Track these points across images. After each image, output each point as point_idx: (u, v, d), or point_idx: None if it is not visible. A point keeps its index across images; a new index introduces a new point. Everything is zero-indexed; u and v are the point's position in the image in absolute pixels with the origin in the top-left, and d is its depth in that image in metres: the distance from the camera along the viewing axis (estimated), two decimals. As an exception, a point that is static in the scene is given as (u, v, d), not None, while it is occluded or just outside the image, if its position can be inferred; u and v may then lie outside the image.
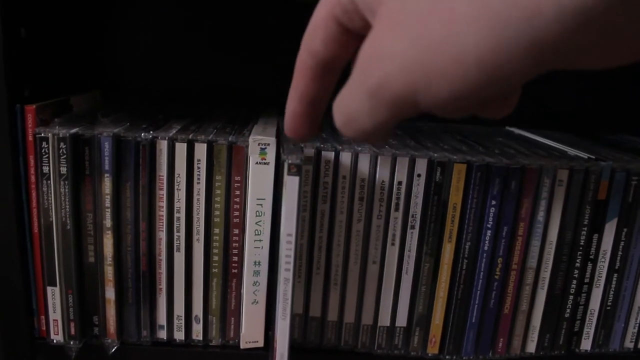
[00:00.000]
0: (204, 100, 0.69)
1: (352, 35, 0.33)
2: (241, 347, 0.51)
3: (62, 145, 0.46)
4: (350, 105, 0.28)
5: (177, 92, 0.69)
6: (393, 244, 0.49)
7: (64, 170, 0.46)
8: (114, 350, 0.50)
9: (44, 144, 0.46)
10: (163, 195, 0.48)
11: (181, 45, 0.67)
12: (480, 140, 0.57)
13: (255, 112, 0.64)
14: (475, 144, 0.55)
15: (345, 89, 0.29)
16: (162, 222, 0.48)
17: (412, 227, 0.49)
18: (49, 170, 0.47)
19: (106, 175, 0.47)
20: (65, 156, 0.46)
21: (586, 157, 0.53)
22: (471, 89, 0.23)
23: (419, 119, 0.69)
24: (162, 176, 0.48)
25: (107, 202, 0.48)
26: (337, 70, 0.35)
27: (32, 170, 0.47)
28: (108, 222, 0.48)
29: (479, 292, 0.50)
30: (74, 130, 0.46)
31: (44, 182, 0.47)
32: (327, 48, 0.34)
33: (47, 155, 0.46)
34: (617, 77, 0.74)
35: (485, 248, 0.49)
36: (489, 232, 0.49)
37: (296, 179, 0.43)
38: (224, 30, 0.67)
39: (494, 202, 0.48)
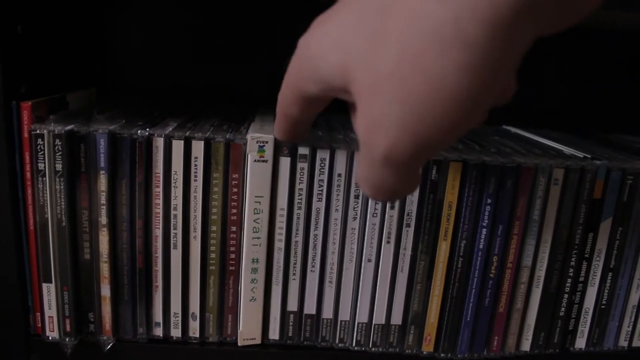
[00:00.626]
0: (200, 98, 0.69)
1: (327, 98, 0.33)
2: (239, 344, 0.51)
3: (57, 142, 0.46)
4: (373, 179, 0.29)
5: (173, 90, 0.69)
6: (388, 242, 0.49)
7: (59, 167, 0.46)
8: (109, 347, 0.50)
9: (40, 141, 0.46)
10: (159, 192, 0.48)
11: (178, 43, 0.67)
12: (476, 139, 0.57)
13: (251, 110, 0.64)
14: (472, 142, 0.55)
15: (360, 166, 0.29)
16: (159, 220, 0.48)
17: (408, 226, 0.49)
18: (45, 167, 0.46)
19: (102, 172, 0.47)
20: (60, 153, 0.46)
21: (582, 156, 0.53)
22: (470, 116, 0.24)
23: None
24: (159, 173, 0.48)
25: (103, 199, 0.48)
26: (320, 106, 0.36)
27: (28, 167, 0.47)
28: (104, 219, 0.48)
29: (474, 290, 0.51)
30: (69, 127, 0.46)
31: (40, 179, 0.47)
32: (303, 112, 0.35)
33: (42, 152, 0.46)
34: (615, 75, 0.74)
35: (481, 246, 0.50)
36: (484, 231, 0.49)
37: (287, 160, 0.46)
38: (221, 28, 0.67)
39: (489, 201, 0.49)
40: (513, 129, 0.68)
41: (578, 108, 0.75)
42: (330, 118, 0.63)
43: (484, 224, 0.49)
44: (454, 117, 0.24)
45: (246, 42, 0.68)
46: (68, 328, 0.50)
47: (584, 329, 0.55)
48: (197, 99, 0.69)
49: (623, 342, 0.56)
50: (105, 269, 0.49)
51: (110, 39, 0.66)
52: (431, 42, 0.23)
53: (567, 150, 0.56)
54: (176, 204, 0.48)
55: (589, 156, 0.53)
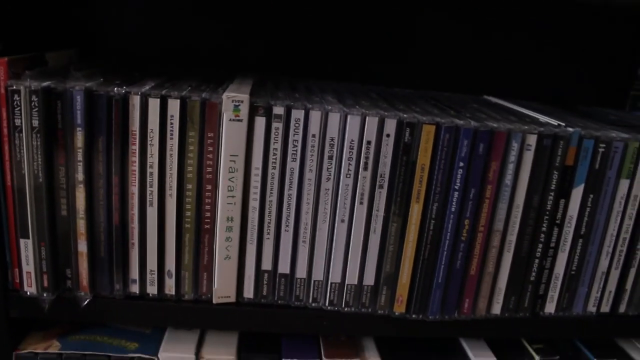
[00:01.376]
0: (183, 61, 0.69)
1: None
2: (214, 302, 0.52)
3: (34, 98, 0.46)
4: None
5: (157, 53, 0.69)
6: (361, 203, 0.50)
7: (35, 123, 0.47)
8: (86, 303, 0.51)
9: (16, 97, 0.46)
10: (135, 150, 0.48)
11: (161, 6, 0.67)
12: (453, 106, 0.58)
13: (232, 72, 0.64)
14: (448, 108, 0.56)
15: None
16: (135, 177, 0.49)
17: (381, 187, 0.50)
18: (21, 123, 0.47)
19: (78, 129, 0.47)
20: (37, 109, 0.46)
21: (556, 123, 0.54)
22: None
23: (397, 85, 0.70)
24: (135, 131, 0.48)
25: (80, 156, 0.48)
26: None
27: (5, 124, 0.47)
28: (80, 175, 0.48)
29: (445, 252, 0.51)
30: (46, 84, 0.46)
31: (17, 135, 0.47)
32: None
33: (19, 108, 0.46)
34: (600, 52, 0.74)
35: (453, 209, 0.50)
36: (456, 194, 0.50)
37: (263, 119, 0.47)
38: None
39: (461, 164, 0.49)
40: (494, 99, 0.69)
41: (563, 82, 0.75)
42: (310, 84, 0.64)
43: (456, 187, 0.50)
44: None
45: (231, 6, 0.68)
46: (46, 283, 0.51)
47: (553, 294, 0.56)
48: (181, 62, 0.69)
49: (592, 308, 0.57)
50: (82, 225, 0.50)
51: (91, 1, 0.66)
52: None
53: (543, 118, 0.56)
54: (152, 162, 0.49)
55: (563, 124, 0.53)
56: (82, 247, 0.50)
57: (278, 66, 0.70)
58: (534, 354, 0.59)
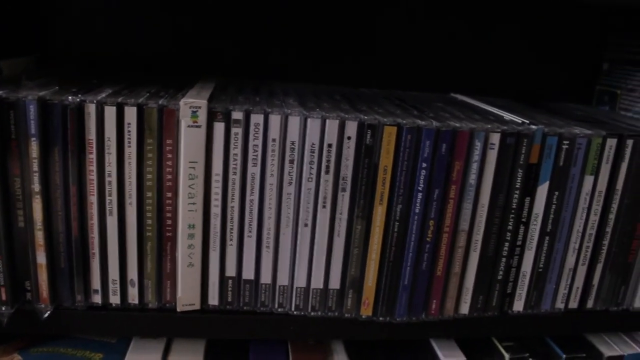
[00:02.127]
0: (147, 66, 0.68)
1: None
2: (178, 309, 0.52)
3: (-15, 107, 0.45)
4: None
5: (121, 59, 0.68)
6: (324, 207, 0.49)
7: (-12, 133, 0.46)
8: (47, 315, 0.50)
9: (-33, 107, 0.45)
10: (93, 159, 0.48)
11: (125, 11, 0.66)
12: (418, 105, 0.57)
13: (197, 76, 0.63)
14: (412, 108, 0.55)
15: None
16: (93, 186, 0.48)
17: (343, 190, 0.49)
18: (-26, 133, 0.46)
19: (33, 139, 0.46)
20: (-11, 119, 0.45)
21: (520, 121, 0.53)
22: None
23: (366, 85, 0.69)
24: (92, 140, 0.47)
25: (35, 166, 0.47)
26: None
27: (-43, 134, 0.46)
28: (36, 186, 0.47)
29: (411, 254, 0.51)
30: (-3, 93, 0.45)
31: (-31, 145, 0.46)
32: None
33: (-29, 118, 0.45)
34: (567, 47, 0.74)
35: (417, 211, 0.50)
36: (420, 195, 0.50)
37: (221, 125, 0.46)
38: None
39: (424, 165, 0.49)
40: (460, 97, 0.69)
41: (532, 78, 0.75)
42: (274, 86, 0.63)
43: (420, 188, 0.49)
44: None
45: (195, 9, 0.67)
46: (4, 297, 0.50)
47: (521, 292, 0.56)
48: (144, 68, 0.68)
49: (560, 304, 0.57)
50: (40, 236, 0.49)
51: (51, 7, 0.65)
52: None
53: (508, 116, 0.56)
54: (110, 171, 0.48)
55: (527, 121, 0.53)
56: (41, 258, 0.49)
57: (245, 69, 0.69)
58: (504, 352, 0.58)
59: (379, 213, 0.50)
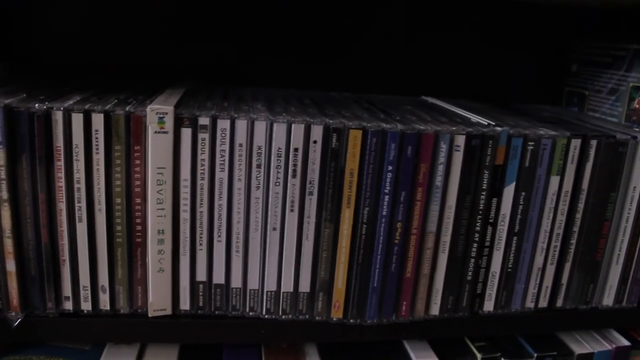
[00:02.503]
0: (120, 74, 0.68)
1: None
2: (149, 315, 0.52)
3: (-49, 116, 0.45)
4: None
5: (92, 66, 0.68)
6: (292, 211, 0.50)
7: (-45, 141, 0.46)
8: (18, 323, 0.50)
9: None
10: (61, 166, 0.48)
11: (99, 17, 0.66)
12: (386, 109, 0.58)
13: (165, 84, 0.63)
14: (380, 111, 0.56)
15: None
16: (62, 193, 0.48)
17: (311, 194, 0.50)
18: (-60, 142, 0.46)
19: (0, 146, 0.46)
20: (-45, 128, 0.45)
21: (486, 123, 0.54)
22: None
23: (338, 88, 0.70)
24: (59, 147, 0.47)
25: (3, 173, 0.47)
26: None
27: None
28: (4, 194, 0.48)
29: (379, 256, 0.52)
30: (-37, 101, 0.45)
31: (-63, 154, 0.46)
32: None
33: (-63, 127, 0.46)
34: (537, 48, 0.75)
35: (384, 213, 0.51)
36: (386, 198, 0.50)
37: (188, 130, 0.47)
38: (141, 3, 0.67)
39: (390, 168, 0.49)
40: (431, 100, 0.69)
41: (504, 80, 0.76)
42: (244, 90, 0.63)
43: (386, 191, 0.50)
44: None
45: (167, 17, 0.67)
46: (-26, 304, 0.50)
47: (491, 292, 0.56)
48: (119, 74, 0.68)
49: (530, 304, 0.58)
50: (9, 244, 0.49)
51: (23, 14, 0.65)
52: None
53: (475, 118, 0.57)
54: (79, 177, 0.48)
55: (493, 123, 0.54)
56: (11, 266, 0.49)
57: (218, 74, 0.70)
58: (476, 352, 0.59)
59: (347, 216, 0.50)
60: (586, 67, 0.72)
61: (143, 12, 0.67)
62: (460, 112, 0.60)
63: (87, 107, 0.47)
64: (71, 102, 0.48)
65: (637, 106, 0.63)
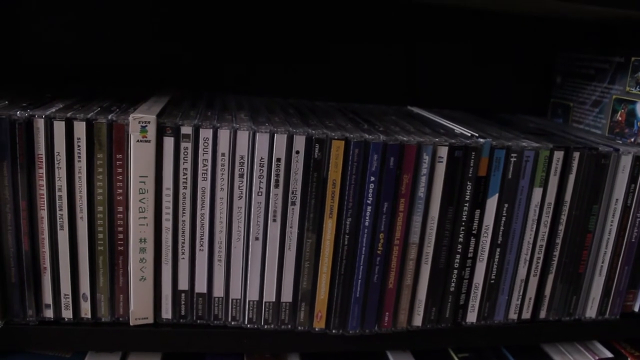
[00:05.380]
0: (106, 81, 0.68)
1: None
2: (131, 323, 0.52)
3: None
4: None
5: (78, 73, 0.68)
6: (275, 221, 0.50)
7: (-64, 148, 0.46)
8: (-2, 330, 0.50)
9: None
10: (43, 174, 0.48)
11: (86, 23, 0.66)
12: (370, 119, 0.58)
13: (150, 91, 0.63)
14: (364, 122, 0.56)
15: None
16: (43, 201, 0.48)
17: (293, 204, 0.50)
18: None
19: (-19, 153, 0.46)
20: (-64, 134, 0.45)
21: (469, 134, 0.54)
22: None
23: (323, 98, 0.70)
24: (41, 155, 0.47)
25: (-16, 181, 0.47)
26: None
27: None
28: (-15, 201, 0.47)
29: (362, 267, 0.52)
30: (-56, 108, 0.45)
31: None
32: None
33: None
34: (526, 61, 0.76)
35: (367, 224, 0.51)
36: (369, 208, 0.50)
37: (171, 139, 0.47)
38: (130, 9, 0.67)
39: (372, 178, 0.50)
40: (416, 110, 0.70)
41: (490, 90, 0.76)
42: (228, 98, 0.64)
43: (369, 202, 0.50)
44: None
45: (155, 22, 0.67)
46: (-46, 312, 0.49)
47: (474, 303, 0.56)
48: (107, 80, 0.68)
49: (513, 315, 0.58)
50: (-11, 251, 0.49)
51: (9, 21, 0.65)
52: None
53: (458, 129, 0.57)
54: (60, 185, 0.48)
55: (477, 135, 0.54)
56: (-9, 273, 0.49)
57: (204, 82, 0.70)
58: (459, 362, 0.59)
59: (329, 226, 0.50)
60: (570, 79, 0.73)
61: (129, 17, 0.67)
62: (445, 123, 0.60)
63: (69, 115, 0.47)
64: (53, 109, 0.48)
65: (619, 118, 0.64)
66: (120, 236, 0.50)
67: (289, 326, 0.53)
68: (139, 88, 0.66)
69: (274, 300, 0.52)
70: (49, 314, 0.51)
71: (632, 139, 0.62)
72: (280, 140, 0.48)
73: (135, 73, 0.68)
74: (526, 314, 0.58)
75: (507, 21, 0.74)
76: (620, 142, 0.60)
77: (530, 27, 0.75)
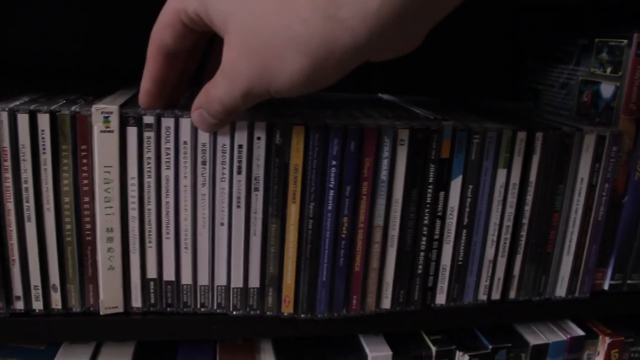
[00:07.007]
0: (80, 75, 0.69)
1: (196, 33, 0.43)
2: (101, 313, 0.52)
3: None
4: (226, 101, 0.41)
5: (51, 68, 0.68)
6: (239, 207, 0.50)
7: None
8: (-32, 322, 0.51)
9: None
10: (8, 166, 0.48)
11: (56, 23, 0.67)
12: (335, 106, 0.59)
13: (119, 85, 0.64)
14: (328, 109, 0.57)
15: (217, 87, 0.41)
16: (10, 193, 0.49)
17: (256, 190, 0.50)
18: None
19: (-54, 147, 0.47)
20: None
21: (432, 117, 0.55)
22: (301, 86, 0.37)
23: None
24: (6, 147, 0.48)
25: (-51, 174, 0.48)
26: (183, 56, 0.46)
27: None
28: (-48, 194, 0.48)
29: (327, 251, 0.52)
30: None
31: None
32: (175, 42, 0.43)
33: None
34: (496, 45, 0.76)
35: (330, 208, 0.51)
36: (331, 192, 0.51)
37: (134, 129, 0.48)
38: (102, 9, 0.67)
39: (334, 163, 0.50)
40: (386, 97, 0.70)
41: (461, 76, 0.77)
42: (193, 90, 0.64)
43: (331, 186, 0.51)
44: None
45: (126, 15, 0.68)
46: None
47: (442, 285, 0.57)
48: (77, 76, 0.69)
49: (482, 296, 0.58)
50: (-42, 244, 0.49)
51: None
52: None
53: (423, 113, 0.58)
54: (26, 177, 0.49)
55: (439, 117, 0.55)
56: (-40, 266, 0.50)
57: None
58: (431, 345, 0.60)
59: (293, 211, 0.51)
60: (539, 63, 0.73)
61: (104, 13, 0.67)
62: (411, 108, 0.61)
63: (32, 107, 0.48)
64: (17, 102, 0.49)
65: (585, 99, 0.64)
66: (88, 226, 0.51)
67: (258, 312, 0.54)
68: (109, 82, 0.66)
69: (241, 286, 0.53)
70: (20, 305, 0.52)
71: (597, 119, 0.62)
72: (241, 127, 0.49)
73: (108, 68, 0.69)
74: (496, 295, 0.59)
75: (477, 6, 0.74)
76: (586, 122, 0.60)
77: (501, 11, 0.75)
